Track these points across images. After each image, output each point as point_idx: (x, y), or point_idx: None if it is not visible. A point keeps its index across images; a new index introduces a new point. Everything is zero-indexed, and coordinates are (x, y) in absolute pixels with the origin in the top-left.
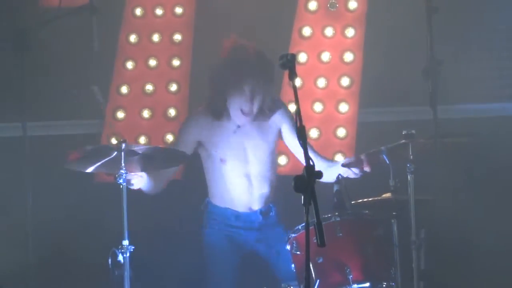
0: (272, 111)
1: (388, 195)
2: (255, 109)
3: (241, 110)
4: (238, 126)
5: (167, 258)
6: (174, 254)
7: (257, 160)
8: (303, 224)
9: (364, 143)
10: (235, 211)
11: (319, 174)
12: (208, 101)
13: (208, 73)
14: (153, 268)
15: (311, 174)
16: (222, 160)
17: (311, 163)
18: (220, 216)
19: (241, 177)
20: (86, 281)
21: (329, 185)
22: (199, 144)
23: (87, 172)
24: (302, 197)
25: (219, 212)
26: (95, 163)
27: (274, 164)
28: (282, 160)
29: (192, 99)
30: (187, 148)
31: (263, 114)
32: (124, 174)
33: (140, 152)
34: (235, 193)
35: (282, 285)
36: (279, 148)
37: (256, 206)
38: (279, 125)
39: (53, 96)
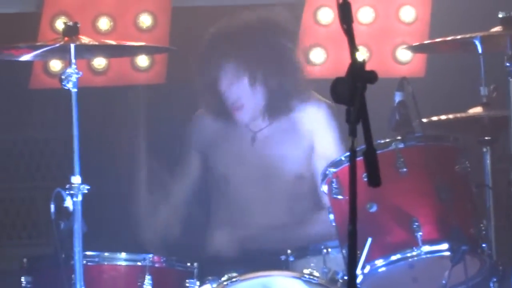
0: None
1: (477, 110)
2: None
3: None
4: (255, 132)
5: (134, 202)
6: (146, 198)
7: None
8: (347, 153)
9: (440, 30)
10: None
11: (373, 76)
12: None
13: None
14: (116, 217)
15: (360, 75)
16: (226, 179)
17: (360, 59)
18: None
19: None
20: (16, 239)
21: (388, 92)
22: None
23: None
24: (346, 112)
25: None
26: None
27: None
28: (317, 55)
29: None
30: (193, 166)
31: (279, 112)
32: (75, 75)
33: (100, 51)
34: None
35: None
36: (309, 38)
37: None
38: (311, 134)
39: None
